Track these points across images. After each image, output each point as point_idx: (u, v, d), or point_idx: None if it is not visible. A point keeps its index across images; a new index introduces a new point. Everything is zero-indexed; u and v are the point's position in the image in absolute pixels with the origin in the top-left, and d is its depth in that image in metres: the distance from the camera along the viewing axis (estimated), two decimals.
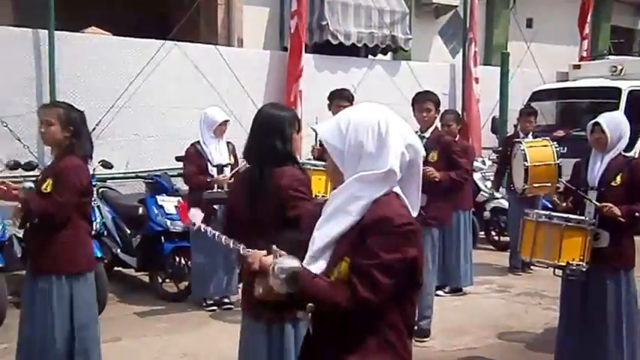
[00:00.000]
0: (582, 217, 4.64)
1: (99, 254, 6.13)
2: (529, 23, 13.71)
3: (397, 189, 2.17)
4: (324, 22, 9.98)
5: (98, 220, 6.47)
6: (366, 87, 9.93)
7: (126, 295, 7.11)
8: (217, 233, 2.41)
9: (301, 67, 9.37)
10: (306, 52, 9.55)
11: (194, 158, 6.51)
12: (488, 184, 9.34)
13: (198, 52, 8.91)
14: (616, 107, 9.44)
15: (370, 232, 2.06)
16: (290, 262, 2.04)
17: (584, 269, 4.53)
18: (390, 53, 11.47)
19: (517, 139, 7.73)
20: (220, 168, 6.51)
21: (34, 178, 5.39)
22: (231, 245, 2.28)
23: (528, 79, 12.06)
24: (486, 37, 13.34)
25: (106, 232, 6.91)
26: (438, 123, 6.25)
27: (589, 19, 13.58)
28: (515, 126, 8.79)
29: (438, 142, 5.82)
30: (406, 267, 2.08)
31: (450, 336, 6.01)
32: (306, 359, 2.27)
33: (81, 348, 4.17)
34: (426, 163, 5.59)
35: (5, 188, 4.00)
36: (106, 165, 6.86)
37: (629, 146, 6.63)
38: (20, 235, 6.33)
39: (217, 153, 6.53)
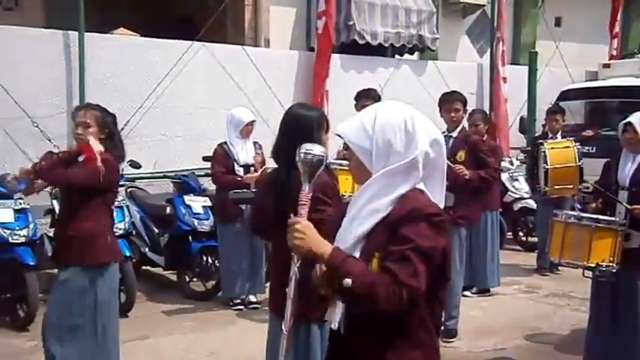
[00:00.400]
0: (612, 218, 4.59)
1: (127, 253, 6.23)
2: (558, 22, 13.55)
3: (421, 185, 2.17)
4: (351, 22, 9.97)
5: (127, 219, 6.54)
6: (393, 87, 9.90)
7: (154, 293, 7.17)
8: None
9: (328, 68, 9.37)
10: (332, 52, 9.55)
11: (221, 158, 6.55)
12: (516, 184, 9.27)
13: (226, 53, 8.96)
14: None
15: (402, 223, 2.06)
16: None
17: (614, 270, 4.48)
18: (416, 53, 11.42)
19: (541, 140, 7.68)
20: (247, 168, 6.53)
21: None
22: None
23: (557, 78, 11.91)
24: (514, 36, 13.22)
25: (134, 232, 6.98)
26: (465, 123, 6.22)
27: (619, 17, 13.38)
28: (544, 126, 8.71)
29: (466, 142, 5.80)
30: (438, 256, 2.07)
31: (477, 337, 5.97)
32: (333, 358, 2.28)
33: (100, 346, 4.23)
34: (453, 162, 5.58)
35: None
36: (135, 165, 6.93)
37: None
38: (51, 234, 6.46)
39: (244, 153, 6.55)
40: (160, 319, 6.38)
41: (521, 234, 9.51)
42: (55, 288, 4.29)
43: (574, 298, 7.02)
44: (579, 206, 7.91)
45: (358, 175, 2.23)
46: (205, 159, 7.00)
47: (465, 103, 5.91)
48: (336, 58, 9.73)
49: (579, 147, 7.16)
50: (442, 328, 5.69)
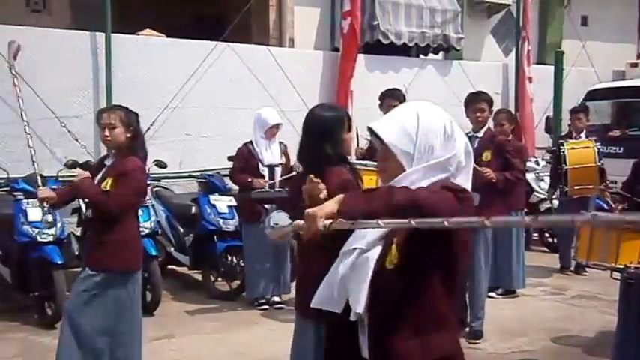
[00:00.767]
0: None
1: (153, 252, 6.28)
2: (584, 21, 13.43)
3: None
4: (375, 22, 9.96)
5: (152, 218, 6.58)
6: (418, 87, 9.86)
7: (179, 292, 7.22)
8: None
9: (354, 67, 9.37)
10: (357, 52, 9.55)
11: (243, 157, 6.57)
12: (542, 184, 9.19)
13: (251, 53, 9.00)
14: None
15: None
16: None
17: None
18: (441, 53, 11.38)
19: (563, 140, 7.63)
20: (271, 168, 6.54)
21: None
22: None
23: (583, 77, 11.80)
24: (540, 36, 13.12)
25: (160, 231, 7.03)
26: (490, 123, 6.19)
27: None
28: (569, 125, 8.64)
29: (492, 142, 5.76)
30: (451, 209, 2.03)
31: (502, 338, 5.93)
32: (354, 349, 2.28)
33: (121, 354, 4.25)
34: (479, 163, 5.55)
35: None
36: (161, 165, 6.98)
37: None
38: (78, 234, 6.54)
39: (268, 153, 6.55)
40: (185, 319, 6.42)
41: (547, 235, 9.43)
42: (80, 292, 4.24)
43: (602, 300, 6.94)
44: (606, 207, 7.83)
45: (392, 175, 2.24)
46: (230, 159, 7.02)
47: (490, 103, 5.87)
48: (360, 58, 9.73)
49: (600, 147, 7.10)
50: (467, 329, 5.73)
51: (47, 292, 5.92)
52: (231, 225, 6.93)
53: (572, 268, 8.14)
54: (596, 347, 5.63)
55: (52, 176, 6.36)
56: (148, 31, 8.84)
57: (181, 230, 7.34)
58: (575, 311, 6.76)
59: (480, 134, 5.79)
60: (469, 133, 5.88)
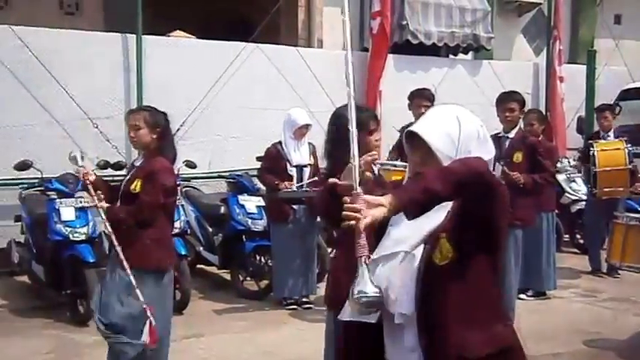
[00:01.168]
0: None
1: (183, 252, 6.32)
2: (617, 20, 13.25)
3: None
4: (404, 22, 9.93)
5: (182, 218, 6.63)
6: (447, 87, 9.80)
7: (208, 292, 7.26)
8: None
9: (383, 67, 9.35)
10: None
11: (271, 157, 6.59)
12: (574, 185, 9.09)
13: (280, 54, 9.02)
14: None
15: None
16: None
17: None
18: (471, 52, 11.30)
19: (592, 140, 7.53)
20: (300, 169, 6.55)
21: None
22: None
23: (616, 77, 11.63)
24: (572, 35, 12.97)
25: (189, 231, 7.08)
26: (520, 123, 6.13)
27: None
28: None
29: (523, 143, 5.72)
30: (486, 195, 2.10)
31: (533, 340, 5.83)
32: (368, 351, 2.27)
33: (149, 352, 4.22)
34: (510, 163, 5.50)
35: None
36: (190, 165, 7.03)
37: None
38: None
39: (297, 154, 6.56)
40: (214, 318, 6.46)
41: (578, 236, 9.31)
42: (111, 289, 4.25)
43: (636, 303, 6.83)
44: (638, 207, 7.73)
45: None
46: (259, 159, 7.05)
47: (522, 103, 5.82)
48: (389, 59, 9.69)
49: (631, 148, 6.98)
50: None
51: (79, 290, 5.99)
52: (259, 225, 6.95)
53: (604, 270, 8.02)
54: (631, 351, 5.55)
55: None
56: (178, 32, 8.92)
57: (210, 230, 7.39)
58: (607, 314, 6.66)
59: (512, 135, 5.74)
60: (499, 133, 5.83)
